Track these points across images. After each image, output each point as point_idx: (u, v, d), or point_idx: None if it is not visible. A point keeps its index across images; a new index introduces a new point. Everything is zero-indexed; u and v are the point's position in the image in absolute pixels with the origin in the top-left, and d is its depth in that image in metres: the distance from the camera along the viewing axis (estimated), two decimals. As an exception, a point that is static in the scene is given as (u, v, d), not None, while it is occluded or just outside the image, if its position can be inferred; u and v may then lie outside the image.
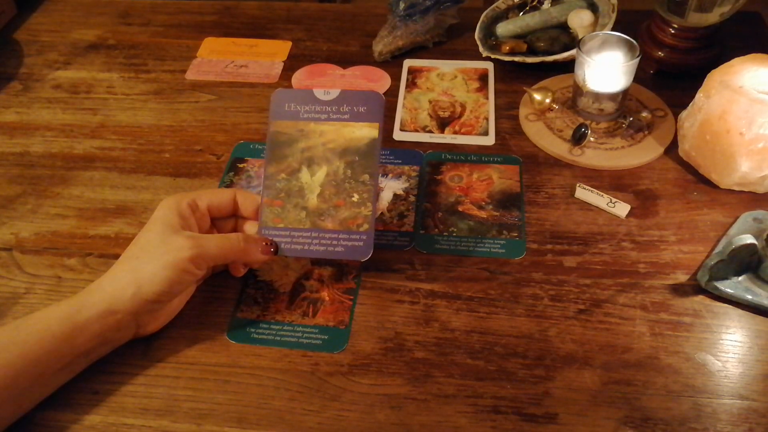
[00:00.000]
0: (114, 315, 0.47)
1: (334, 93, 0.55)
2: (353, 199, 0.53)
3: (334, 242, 0.52)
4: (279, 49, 0.82)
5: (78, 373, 0.49)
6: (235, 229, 0.55)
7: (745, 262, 0.52)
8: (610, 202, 0.60)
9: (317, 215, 0.53)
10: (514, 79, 0.75)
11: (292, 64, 0.79)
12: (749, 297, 0.52)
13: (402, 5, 0.77)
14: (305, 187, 0.53)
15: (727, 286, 0.52)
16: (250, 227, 0.54)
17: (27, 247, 0.60)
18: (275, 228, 0.53)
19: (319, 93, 0.55)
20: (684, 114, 0.64)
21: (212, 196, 0.53)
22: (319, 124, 0.54)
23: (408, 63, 0.78)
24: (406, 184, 0.64)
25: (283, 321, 0.53)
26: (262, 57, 0.81)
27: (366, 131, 0.54)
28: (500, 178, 0.64)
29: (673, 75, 0.73)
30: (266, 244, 0.52)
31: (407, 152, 0.67)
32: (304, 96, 0.55)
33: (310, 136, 0.54)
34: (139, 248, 0.49)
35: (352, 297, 0.54)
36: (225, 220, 0.55)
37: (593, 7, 0.76)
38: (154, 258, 0.48)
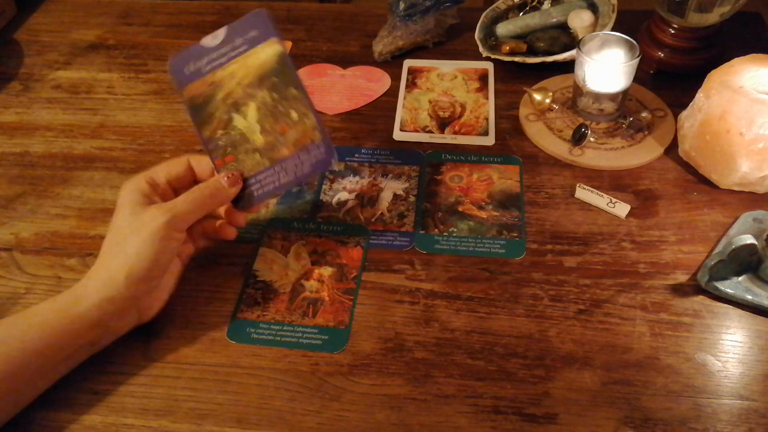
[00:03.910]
0: (112, 302, 0.47)
1: (221, 33, 0.53)
2: (293, 117, 0.52)
3: (298, 164, 0.52)
4: (279, 50, 0.82)
5: (82, 361, 0.49)
6: None
7: (745, 262, 0.52)
8: (610, 202, 0.60)
9: (270, 150, 0.52)
10: (514, 79, 0.75)
11: (292, 65, 0.79)
12: (749, 297, 0.52)
13: (402, 5, 0.77)
14: (245, 131, 0.53)
15: (727, 287, 0.52)
16: None
17: (27, 247, 0.60)
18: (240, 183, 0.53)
19: (207, 41, 0.53)
20: (684, 114, 0.64)
21: (168, 168, 0.53)
22: (225, 69, 0.53)
23: (408, 63, 0.78)
24: (406, 184, 0.64)
25: (283, 321, 0.53)
26: (262, 57, 0.81)
27: (269, 50, 0.52)
28: (500, 178, 0.64)
29: (673, 75, 0.73)
30: (229, 176, 0.52)
31: (407, 152, 0.67)
32: (197, 52, 0.53)
33: (222, 84, 0.53)
34: (117, 235, 0.49)
35: (352, 297, 0.54)
36: (186, 189, 0.54)
37: (593, 8, 0.76)
38: (134, 237, 0.48)
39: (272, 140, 0.52)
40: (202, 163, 0.54)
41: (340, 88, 0.75)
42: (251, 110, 0.52)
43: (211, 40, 0.53)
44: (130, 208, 0.49)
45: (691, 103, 0.63)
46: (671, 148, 0.66)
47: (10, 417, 0.46)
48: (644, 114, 0.68)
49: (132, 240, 0.48)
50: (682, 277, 0.55)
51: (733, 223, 0.58)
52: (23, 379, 0.45)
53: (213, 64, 0.53)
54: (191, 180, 0.54)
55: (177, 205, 0.50)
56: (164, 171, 0.53)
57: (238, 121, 0.52)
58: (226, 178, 0.52)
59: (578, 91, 0.67)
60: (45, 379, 0.47)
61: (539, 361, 0.50)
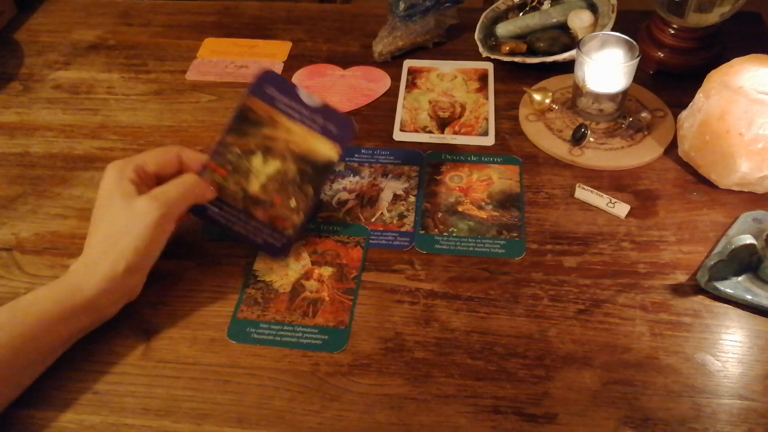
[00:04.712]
0: (111, 292, 0.49)
1: (317, 101, 0.55)
2: (291, 203, 0.54)
3: (257, 231, 0.54)
4: (279, 50, 0.82)
5: (73, 344, 0.50)
6: None
7: (744, 262, 0.52)
8: (610, 202, 0.60)
9: (252, 201, 0.54)
10: (513, 79, 0.75)
11: (292, 65, 0.79)
12: (749, 297, 0.52)
13: (402, 5, 0.77)
14: (253, 171, 0.54)
15: (726, 287, 0.52)
16: None
17: (27, 247, 0.60)
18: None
19: (303, 94, 0.55)
20: (684, 114, 0.64)
21: (158, 158, 0.54)
22: (291, 122, 0.54)
23: (408, 63, 0.79)
24: (406, 184, 0.64)
25: (283, 321, 0.53)
26: (263, 57, 0.81)
27: (329, 149, 0.55)
28: (500, 178, 0.64)
29: (672, 75, 0.73)
30: (211, 182, 0.54)
31: (407, 152, 0.67)
32: (289, 89, 0.55)
33: (278, 127, 0.54)
34: (112, 226, 0.50)
35: (352, 297, 0.54)
36: (169, 178, 0.55)
37: (593, 8, 0.76)
38: (131, 230, 0.49)
39: (262, 198, 0.54)
40: (192, 157, 0.55)
41: (340, 89, 0.75)
42: (273, 164, 0.54)
43: (307, 97, 0.55)
44: (121, 199, 0.50)
45: (690, 104, 0.63)
46: (671, 149, 0.66)
47: (9, 402, 0.47)
48: (644, 114, 0.68)
49: (129, 233, 0.49)
50: (681, 277, 0.55)
51: (732, 223, 0.58)
52: (21, 365, 0.47)
53: (286, 109, 0.54)
54: (177, 170, 0.55)
55: (169, 197, 0.51)
56: (154, 160, 0.53)
57: (257, 160, 0.54)
58: (208, 182, 0.54)
59: (578, 91, 0.67)
60: (41, 363, 0.49)
61: (539, 361, 0.50)
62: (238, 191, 0.54)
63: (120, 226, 0.49)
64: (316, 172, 0.54)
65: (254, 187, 0.54)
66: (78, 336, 0.50)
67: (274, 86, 0.54)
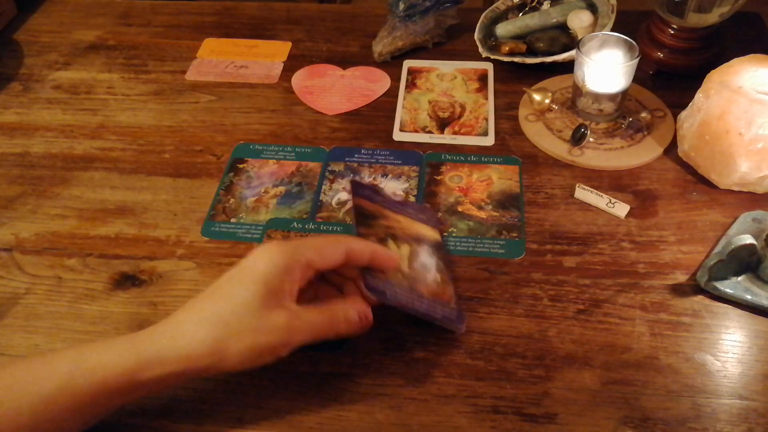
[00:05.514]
0: (181, 378, 0.43)
1: (399, 196, 0.61)
2: (435, 278, 0.52)
3: (433, 307, 0.50)
4: (279, 50, 0.82)
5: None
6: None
7: (744, 262, 0.52)
8: (610, 202, 0.60)
9: (412, 279, 0.51)
10: (513, 79, 0.75)
11: (292, 65, 0.79)
12: (748, 297, 0.52)
13: (402, 6, 0.77)
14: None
15: (726, 286, 0.52)
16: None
17: (27, 247, 0.60)
18: (379, 278, 0.49)
19: (387, 192, 0.60)
20: (683, 114, 0.64)
21: (323, 253, 0.46)
22: (394, 214, 0.55)
23: (408, 63, 0.79)
24: (406, 184, 0.64)
25: (284, 321, 0.53)
26: (262, 57, 0.81)
27: (430, 231, 0.56)
28: (500, 178, 0.64)
29: (672, 75, 0.73)
30: (362, 315, 0.47)
31: (407, 152, 0.67)
32: (376, 189, 0.57)
33: (389, 219, 0.54)
34: (229, 308, 0.44)
35: (352, 297, 0.54)
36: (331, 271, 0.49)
37: (593, 8, 0.76)
38: (243, 334, 0.43)
39: (415, 275, 0.51)
40: (358, 251, 0.48)
41: (340, 89, 0.75)
42: (405, 248, 0.52)
43: (391, 194, 0.60)
44: (263, 291, 0.43)
45: (690, 104, 0.63)
46: (670, 149, 0.66)
47: None
48: (644, 114, 0.68)
49: (239, 337, 0.43)
50: (681, 277, 0.55)
51: (732, 223, 0.58)
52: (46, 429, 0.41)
53: (384, 203, 0.55)
54: (342, 264, 0.47)
55: (301, 327, 0.45)
56: (320, 258, 0.46)
57: (392, 245, 0.52)
58: (357, 315, 0.47)
59: (578, 91, 0.67)
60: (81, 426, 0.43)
61: (539, 361, 0.50)
62: (397, 274, 0.50)
63: (239, 323, 0.43)
64: (435, 248, 0.55)
65: (405, 267, 0.51)
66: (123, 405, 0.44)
67: (365, 189, 0.55)
